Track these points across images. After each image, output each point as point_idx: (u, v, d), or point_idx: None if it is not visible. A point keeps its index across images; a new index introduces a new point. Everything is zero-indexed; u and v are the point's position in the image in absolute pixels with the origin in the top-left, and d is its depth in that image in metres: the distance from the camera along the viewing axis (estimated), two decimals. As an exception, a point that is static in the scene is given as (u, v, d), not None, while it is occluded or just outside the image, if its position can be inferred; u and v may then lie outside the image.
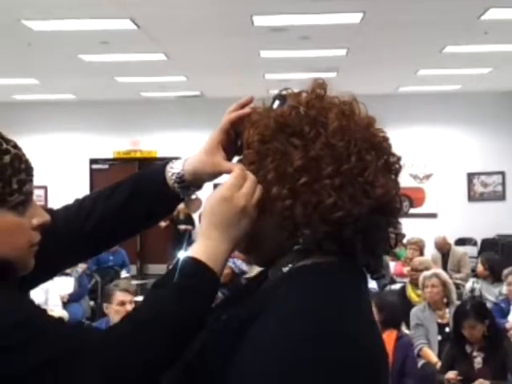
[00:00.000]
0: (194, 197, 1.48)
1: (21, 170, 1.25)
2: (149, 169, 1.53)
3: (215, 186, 1.32)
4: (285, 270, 1.27)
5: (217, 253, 1.25)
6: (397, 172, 1.31)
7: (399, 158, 1.31)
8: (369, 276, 1.33)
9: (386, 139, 1.30)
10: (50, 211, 1.41)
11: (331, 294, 1.19)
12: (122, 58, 10.05)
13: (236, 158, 1.41)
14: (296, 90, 1.33)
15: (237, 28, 8.38)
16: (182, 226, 13.28)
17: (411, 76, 12.11)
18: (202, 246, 1.26)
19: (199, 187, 1.48)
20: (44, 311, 1.21)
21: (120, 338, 1.17)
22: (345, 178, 1.21)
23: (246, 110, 1.38)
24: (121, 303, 4.98)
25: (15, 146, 1.26)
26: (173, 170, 1.45)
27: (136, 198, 1.46)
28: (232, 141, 1.41)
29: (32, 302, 1.25)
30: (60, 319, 1.31)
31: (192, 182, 1.45)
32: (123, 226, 1.49)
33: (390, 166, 1.29)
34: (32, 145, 14.44)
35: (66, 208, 1.50)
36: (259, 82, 12.40)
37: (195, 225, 13.52)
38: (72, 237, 1.45)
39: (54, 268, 1.52)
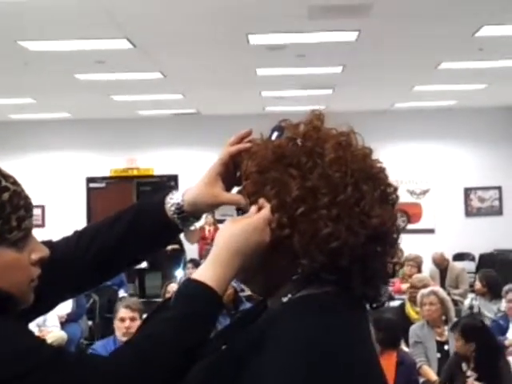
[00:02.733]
0: (192, 228, 1.49)
1: (20, 206, 1.26)
2: (148, 199, 1.54)
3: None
4: (284, 300, 1.27)
5: (225, 279, 1.25)
6: (394, 202, 1.32)
7: (396, 189, 1.33)
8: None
9: (382, 170, 1.31)
10: (50, 243, 1.42)
11: (328, 327, 1.20)
12: (118, 77, 10.06)
13: (235, 189, 1.42)
14: (294, 122, 1.34)
15: (233, 46, 8.41)
16: (169, 247, 13.13)
17: (407, 92, 12.14)
18: (213, 270, 1.25)
19: (198, 218, 1.49)
20: (44, 340, 1.22)
21: (122, 368, 1.17)
22: (341, 209, 1.23)
23: (247, 144, 1.39)
24: (121, 319, 5.01)
25: (14, 183, 1.27)
26: (172, 200, 1.46)
27: (135, 229, 1.46)
28: (231, 172, 1.42)
29: (33, 332, 1.26)
30: (60, 347, 1.32)
31: (191, 212, 1.46)
32: (123, 256, 1.50)
33: (387, 196, 1.31)
34: (29, 164, 14.48)
35: (66, 239, 1.51)
36: (256, 100, 12.45)
37: (182, 244, 13.23)
38: (72, 268, 1.45)
39: (54, 299, 1.52)
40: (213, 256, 1.26)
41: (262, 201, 1.28)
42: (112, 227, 1.48)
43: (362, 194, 1.24)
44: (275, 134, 1.34)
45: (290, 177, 1.25)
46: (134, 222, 1.47)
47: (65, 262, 1.45)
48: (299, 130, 1.31)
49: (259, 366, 1.16)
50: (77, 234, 1.51)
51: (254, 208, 1.29)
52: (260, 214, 1.27)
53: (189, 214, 1.46)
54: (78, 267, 1.46)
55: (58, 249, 1.45)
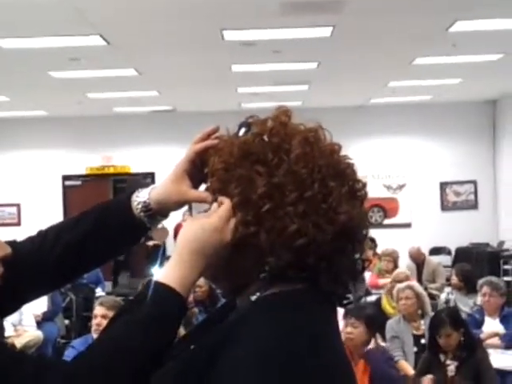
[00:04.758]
0: (160, 226, 1.47)
1: None
2: (115, 198, 1.52)
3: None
4: (252, 298, 1.27)
5: (189, 280, 1.24)
6: (362, 198, 1.30)
7: (364, 185, 1.31)
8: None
9: (350, 166, 1.30)
10: (13, 243, 1.40)
11: (297, 325, 1.20)
12: (93, 74, 10.00)
13: (203, 186, 1.41)
14: (262, 118, 1.33)
15: (207, 43, 8.38)
16: (150, 242, 13.15)
17: (382, 88, 12.18)
18: (176, 272, 1.23)
19: (165, 216, 1.47)
20: (5, 344, 1.20)
21: (85, 371, 1.16)
22: (308, 205, 1.21)
23: (213, 141, 1.37)
24: (94, 316, 5.04)
25: None
26: (138, 198, 1.44)
27: (101, 228, 1.44)
28: (198, 169, 1.40)
29: None
30: (22, 352, 1.29)
31: (158, 210, 1.44)
32: (89, 255, 1.47)
33: (355, 192, 1.29)
34: (4, 162, 14.37)
35: (30, 239, 1.48)
36: (232, 96, 12.42)
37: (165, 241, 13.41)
38: (37, 268, 1.43)
39: (19, 300, 1.50)
40: (175, 257, 1.25)
41: (220, 198, 1.27)
42: (77, 226, 1.46)
43: (329, 190, 1.23)
44: (242, 130, 1.33)
45: (256, 173, 1.24)
46: (100, 221, 1.45)
47: (30, 261, 1.42)
48: (266, 125, 1.30)
49: (228, 365, 1.15)
50: (41, 233, 1.49)
51: (215, 205, 1.28)
52: (218, 213, 1.25)
53: (156, 212, 1.44)
54: (43, 267, 1.43)
55: (23, 249, 1.42)
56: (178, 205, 1.43)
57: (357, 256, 1.29)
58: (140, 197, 1.44)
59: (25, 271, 1.41)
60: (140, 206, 1.44)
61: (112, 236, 1.45)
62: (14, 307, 1.51)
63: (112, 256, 1.54)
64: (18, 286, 1.38)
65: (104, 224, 1.45)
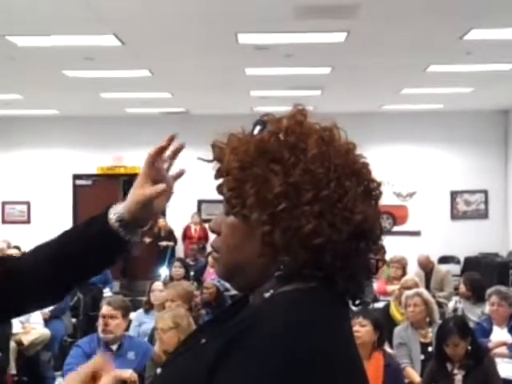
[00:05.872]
0: (135, 238, 1.53)
1: None
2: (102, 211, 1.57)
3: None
4: (266, 295, 1.27)
5: None
6: (377, 198, 1.30)
7: (379, 184, 1.31)
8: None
9: (365, 165, 1.30)
10: (11, 259, 1.45)
11: (309, 323, 1.19)
12: (107, 74, 10.03)
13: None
14: (277, 116, 1.33)
15: (222, 45, 8.39)
16: (164, 243, 13.24)
17: (395, 95, 12.17)
18: None
19: (142, 226, 1.54)
20: None
21: None
22: (324, 205, 1.21)
23: (163, 143, 1.53)
24: (101, 316, 5.04)
25: None
26: (113, 210, 1.51)
27: (82, 242, 1.50)
28: (158, 170, 1.53)
29: None
30: None
31: (132, 220, 1.50)
32: (75, 269, 1.52)
33: (370, 192, 1.29)
34: (15, 160, 14.42)
35: (28, 254, 1.56)
36: (244, 99, 12.43)
37: (177, 241, 13.52)
38: (33, 281, 1.48)
39: (17, 311, 1.54)
40: None
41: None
42: (61, 241, 1.52)
43: (345, 189, 1.23)
44: (257, 128, 1.32)
45: (272, 172, 1.23)
46: (82, 235, 1.52)
47: (24, 277, 1.48)
48: (282, 124, 1.29)
49: (238, 362, 1.14)
50: (37, 247, 1.55)
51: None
52: None
53: (130, 221, 1.50)
54: (37, 281, 1.49)
55: (17, 266, 1.49)
56: (142, 206, 1.49)
57: (371, 256, 1.29)
58: (115, 208, 1.51)
59: (20, 285, 1.46)
60: (115, 217, 1.49)
61: (94, 248, 1.50)
62: (14, 315, 1.56)
63: (96, 269, 1.60)
64: (12, 300, 1.43)
65: (86, 238, 1.51)
